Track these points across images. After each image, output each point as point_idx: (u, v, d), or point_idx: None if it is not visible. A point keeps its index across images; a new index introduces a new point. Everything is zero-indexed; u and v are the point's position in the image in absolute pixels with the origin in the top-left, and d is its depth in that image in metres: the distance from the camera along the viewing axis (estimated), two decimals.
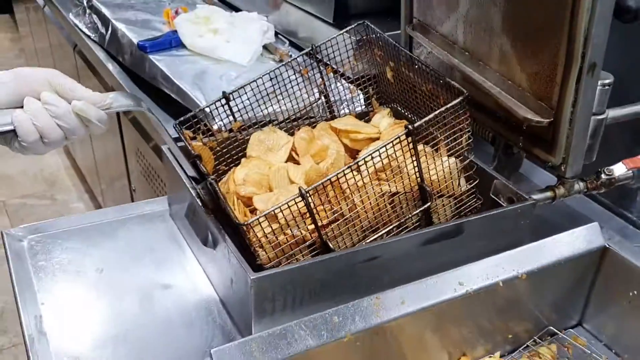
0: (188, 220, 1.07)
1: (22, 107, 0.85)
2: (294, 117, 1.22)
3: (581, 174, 1.10)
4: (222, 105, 1.14)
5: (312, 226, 0.94)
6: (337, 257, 0.92)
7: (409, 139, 0.94)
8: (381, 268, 0.96)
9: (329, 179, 0.92)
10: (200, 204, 1.00)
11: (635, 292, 0.98)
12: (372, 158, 0.94)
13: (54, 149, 0.89)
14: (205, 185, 0.99)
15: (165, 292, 1.04)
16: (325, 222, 0.95)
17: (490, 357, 1.00)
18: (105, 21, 1.77)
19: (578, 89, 0.94)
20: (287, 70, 1.17)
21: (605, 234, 1.03)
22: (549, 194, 1.10)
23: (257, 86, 1.15)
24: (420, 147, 1.01)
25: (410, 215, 1.02)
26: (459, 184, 1.04)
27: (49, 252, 1.12)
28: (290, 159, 1.17)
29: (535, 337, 1.04)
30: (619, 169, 1.11)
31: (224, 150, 1.17)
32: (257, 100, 1.17)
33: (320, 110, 1.24)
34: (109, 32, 1.73)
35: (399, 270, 0.97)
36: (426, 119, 0.94)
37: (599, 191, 1.12)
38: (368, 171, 0.95)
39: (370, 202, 0.97)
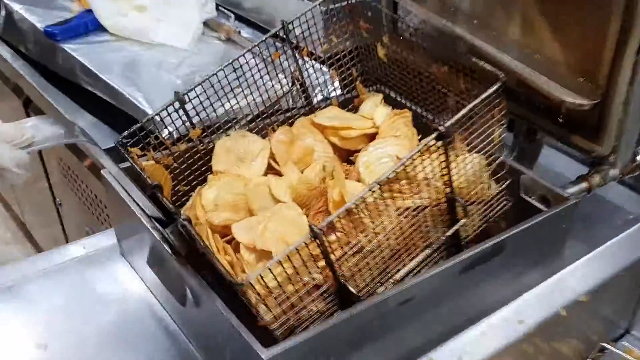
0: (152, 270, 0.83)
1: None
2: (264, 113, 0.98)
3: None
4: (176, 110, 0.89)
5: (325, 267, 0.73)
6: (366, 310, 0.71)
7: (439, 143, 0.73)
8: (415, 309, 0.76)
9: (346, 209, 0.70)
10: (171, 252, 0.76)
11: None
12: (397, 173, 0.72)
13: None
14: (175, 229, 0.74)
15: None
16: (340, 259, 0.73)
17: None
18: None
19: (637, 62, 0.75)
20: (253, 58, 0.93)
21: None
22: (583, 185, 0.92)
23: (219, 80, 0.91)
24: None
25: (439, 235, 0.82)
26: (488, 187, 0.84)
27: None
28: (269, 168, 0.94)
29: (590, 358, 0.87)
30: None
31: (183, 167, 0.92)
32: (219, 99, 0.92)
33: (296, 102, 1.01)
34: (2, 15, 1.41)
35: (436, 308, 0.77)
36: (459, 115, 0.73)
37: (632, 174, 0.96)
38: (392, 191, 0.73)
39: (392, 226, 0.76)
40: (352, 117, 0.98)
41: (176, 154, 0.91)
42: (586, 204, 0.94)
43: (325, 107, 1.02)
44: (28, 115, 1.52)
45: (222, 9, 1.34)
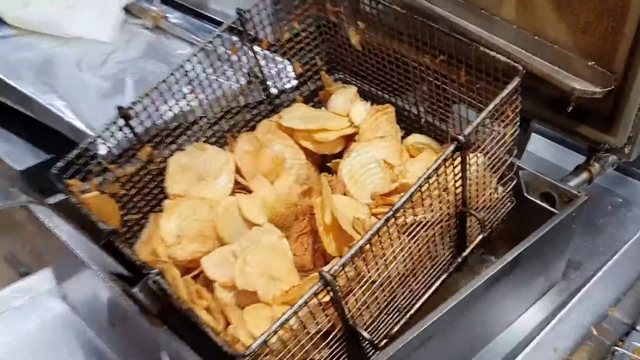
0: (112, 328, 0.68)
1: None
2: (221, 115, 0.83)
3: None
4: (121, 128, 0.73)
5: (334, 313, 0.61)
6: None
7: (457, 154, 0.62)
8: (437, 345, 0.66)
9: (360, 247, 0.58)
10: (143, 314, 0.61)
11: None
12: (412, 197, 0.60)
13: None
14: (144, 287, 0.60)
15: None
16: (350, 302, 0.61)
17: None
18: None
19: None
20: (208, 57, 0.78)
21: None
22: (584, 176, 0.84)
23: (169, 87, 0.75)
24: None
25: (445, 252, 0.71)
26: (495, 190, 0.74)
27: None
28: (235, 184, 0.80)
29: None
30: None
31: (132, 192, 0.76)
32: (169, 108, 0.77)
33: (255, 98, 0.87)
34: None
35: (457, 340, 0.67)
36: (479, 119, 0.62)
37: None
38: (406, 219, 0.62)
39: (404, 253, 0.64)
40: (324, 115, 0.85)
41: (123, 179, 0.75)
42: None
43: (288, 105, 0.89)
44: None
45: None
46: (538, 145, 1.04)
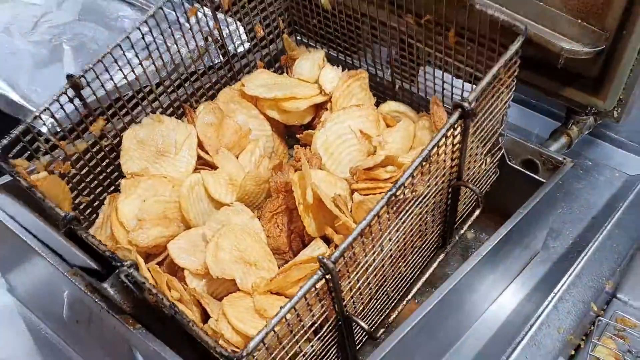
0: (75, 325, 0.60)
1: None
2: (178, 82, 0.75)
3: None
4: (71, 99, 0.63)
5: (330, 304, 0.55)
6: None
7: (461, 122, 0.57)
8: (430, 331, 0.61)
9: (361, 230, 0.52)
10: (112, 312, 0.53)
11: None
12: (413, 178, 0.54)
13: None
14: (115, 281, 0.52)
15: None
16: (346, 289, 0.56)
17: None
18: None
19: None
20: (162, 21, 0.69)
21: None
22: (563, 140, 0.81)
23: (123, 54, 0.66)
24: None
25: (434, 231, 0.66)
26: (483, 162, 0.70)
27: None
28: (197, 160, 0.72)
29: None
30: None
31: (84, 172, 0.68)
32: (124, 77, 0.68)
33: (214, 63, 0.78)
34: None
35: (448, 322, 0.63)
36: (483, 84, 0.57)
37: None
38: (405, 197, 0.56)
39: (397, 234, 0.59)
40: (290, 82, 0.78)
41: (74, 157, 0.66)
42: None
43: (249, 71, 0.81)
44: None
45: None
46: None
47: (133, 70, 0.68)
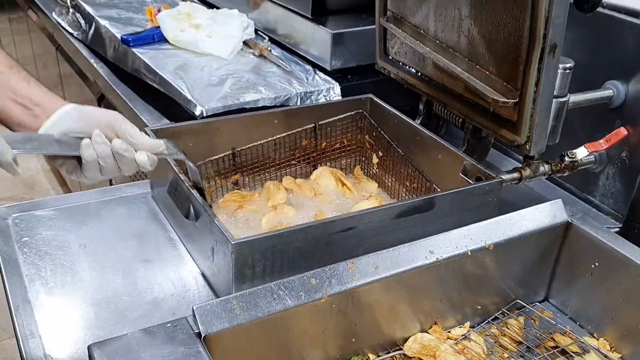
0: (170, 195, 1.10)
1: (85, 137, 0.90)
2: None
3: (546, 158, 1.16)
4: None
5: None
6: (315, 226, 0.96)
7: None
8: (356, 238, 1.01)
9: None
10: (184, 179, 1.03)
11: (597, 264, 1.04)
12: None
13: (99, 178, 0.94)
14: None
15: (147, 265, 1.08)
16: None
17: (460, 327, 1.05)
18: (88, 18, 1.80)
19: (540, 68, 1.00)
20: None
21: (569, 211, 1.08)
22: (515, 174, 1.16)
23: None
24: None
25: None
26: None
27: (32, 229, 1.15)
28: None
29: (504, 309, 1.09)
30: (581, 153, 1.18)
31: None
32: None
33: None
34: (92, 28, 1.77)
35: (373, 241, 1.02)
36: None
37: (563, 174, 1.19)
38: None
39: None
40: None
41: None
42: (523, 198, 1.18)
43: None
44: None
45: (260, 32, 1.66)
46: None
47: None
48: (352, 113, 1.30)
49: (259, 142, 1.22)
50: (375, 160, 1.32)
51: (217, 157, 1.20)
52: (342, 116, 1.29)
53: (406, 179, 1.25)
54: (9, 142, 0.84)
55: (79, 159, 0.91)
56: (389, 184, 1.30)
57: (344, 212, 1.10)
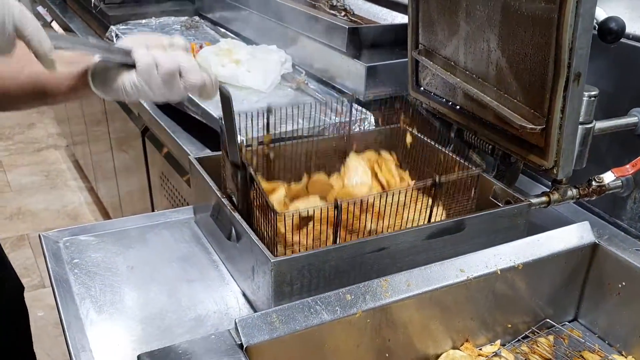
0: (213, 219, 1.17)
1: None
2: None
3: (574, 183, 1.20)
4: None
5: None
6: (350, 246, 1.01)
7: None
8: (389, 258, 1.05)
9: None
10: (227, 203, 1.10)
11: (624, 284, 1.06)
12: None
13: (162, 93, 0.93)
14: (244, 175, 1.06)
15: (190, 285, 1.13)
16: None
17: (491, 344, 1.08)
18: None
19: (566, 96, 1.04)
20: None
21: (596, 233, 1.12)
22: (544, 198, 1.19)
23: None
24: None
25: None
26: None
27: (82, 252, 1.22)
28: None
29: (534, 328, 1.12)
30: (608, 177, 1.21)
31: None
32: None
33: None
34: None
35: (406, 261, 1.06)
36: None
37: (590, 198, 1.22)
38: None
39: None
40: None
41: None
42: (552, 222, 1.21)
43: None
44: (144, 143, 1.96)
45: (297, 67, 1.73)
46: None
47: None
48: None
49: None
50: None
51: None
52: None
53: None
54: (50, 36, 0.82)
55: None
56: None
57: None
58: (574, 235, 1.10)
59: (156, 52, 0.90)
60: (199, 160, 1.25)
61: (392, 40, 1.59)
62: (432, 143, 1.27)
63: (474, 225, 1.10)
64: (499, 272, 1.03)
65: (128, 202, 2.53)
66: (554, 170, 1.12)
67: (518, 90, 1.14)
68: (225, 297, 1.11)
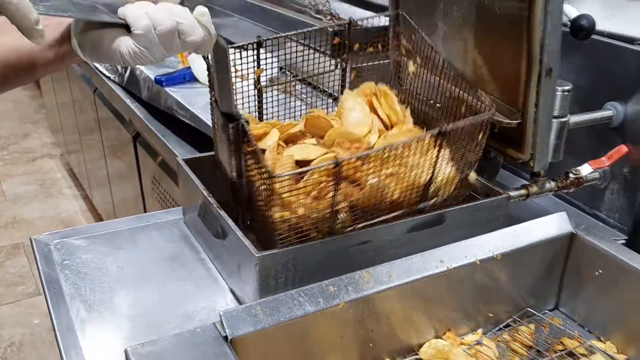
0: (200, 218, 1.20)
1: None
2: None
3: (552, 175, 1.23)
4: None
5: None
6: (333, 240, 1.04)
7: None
8: (372, 251, 1.08)
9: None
10: (215, 206, 1.12)
11: (601, 272, 1.09)
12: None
13: (162, 55, 0.84)
14: (236, 126, 1.05)
15: (179, 283, 1.16)
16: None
17: (473, 333, 1.11)
18: None
19: (539, 91, 1.08)
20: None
21: (574, 223, 1.15)
22: (522, 191, 1.23)
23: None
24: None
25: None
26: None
27: (72, 253, 1.24)
28: None
29: (515, 317, 1.14)
30: (585, 170, 1.24)
31: None
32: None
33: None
34: (128, 71, 1.90)
35: (389, 254, 1.09)
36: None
37: (568, 190, 1.25)
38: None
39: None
40: None
41: None
42: (531, 214, 1.24)
43: None
44: (135, 149, 1.99)
45: (284, 71, 1.77)
46: None
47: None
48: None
49: None
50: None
51: None
52: None
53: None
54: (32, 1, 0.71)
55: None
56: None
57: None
58: (551, 225, 1.13)
59: (148, 6, 0.79)
60: (187, 161, 1.28)
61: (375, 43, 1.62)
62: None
63: (454, 218, 1.13)
64: (478, 263, 1.06)
65: (122, 208, 2.56)
66: (531, 163, 1.15)
67: (495, 87, 1.18)
68: (213, 294, 1.14)
